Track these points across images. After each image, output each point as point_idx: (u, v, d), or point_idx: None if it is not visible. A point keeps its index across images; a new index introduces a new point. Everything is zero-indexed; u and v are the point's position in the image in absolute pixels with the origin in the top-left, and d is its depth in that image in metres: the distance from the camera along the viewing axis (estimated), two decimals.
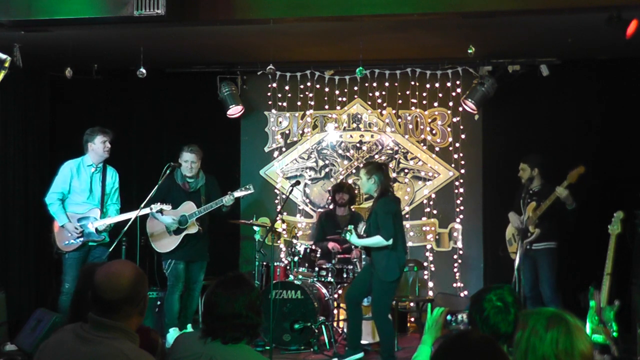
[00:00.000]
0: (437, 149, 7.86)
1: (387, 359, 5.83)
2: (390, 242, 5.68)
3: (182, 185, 6.53)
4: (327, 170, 8.06)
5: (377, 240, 5.71)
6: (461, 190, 7.80)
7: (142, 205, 6.06)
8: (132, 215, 6.11)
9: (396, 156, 7.94)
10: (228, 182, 7.89)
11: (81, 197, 6.33)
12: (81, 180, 6.33)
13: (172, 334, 6.31)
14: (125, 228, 5.96)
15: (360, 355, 5.96)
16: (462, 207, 7.79)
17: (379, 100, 7.92)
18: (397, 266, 5.78)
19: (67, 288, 6.20)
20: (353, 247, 6.73)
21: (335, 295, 6.79)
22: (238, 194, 6.41)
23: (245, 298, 2.81)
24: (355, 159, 7.99)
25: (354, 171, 7.94)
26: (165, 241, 6.52)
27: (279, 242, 7.92)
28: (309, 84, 7.99)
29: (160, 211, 6.30)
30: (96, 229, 6.25)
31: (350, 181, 7.83)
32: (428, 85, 7.81)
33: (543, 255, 6.38)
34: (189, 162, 6.46)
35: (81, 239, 6.24)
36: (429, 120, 7.88)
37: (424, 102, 7.83)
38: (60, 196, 6.30)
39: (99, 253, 6.28)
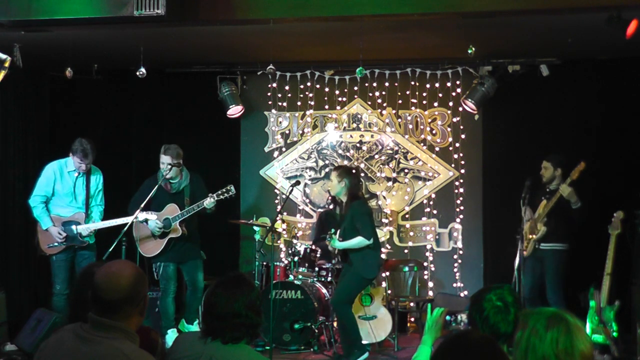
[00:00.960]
0: (437, 149, 7.86)
1: (350, 347, 5.92)
2: (372, 241, 5.85)
3: (164, 186, 6.40)
4: (327, 170, 8.05)
5: (359, 240, 5.86)
6: (461, 190, 7.80)
7: (141, 207, 6.09)
8: (117, 222, 6.14)
9: (396, 156, 7.94)
10: (228, 182, 7.87)
11: (65, 200, 6.31)
12: (64, 184, 6.30)
13: (171, 335, 6.30)
14: (125, 228, 5.97)
15: (366, 355, 6.01)
16: (462, 207, 7.79)
17: (379, 100, 7.92)
18: (376, 265, 6.02)
19: (59, 289, 6.23)
20: None
21: None
22: (219, 196, 6.27)
23: (245, 298, 2.81)
24: (355, 159, 7.99)
25: (353, 171, 7.91)
26: (150, 245, 6.46)
27: (279, 242, 7.91)
28: (309, 84, 7.99)
29: (146, 221, 6.28)
30: (79, 234, 6.25)
31: None
32: (428, 85, 7.81)
33: (550, 256, 6.34)
34: (164, 163, 6.32)
35: (65, 243, 6.23)
36: (429, 120, 7.88)
37: (424, 102, 7.83)
38: (44, 199, 6.28)
39: (87, 254, 6.28)
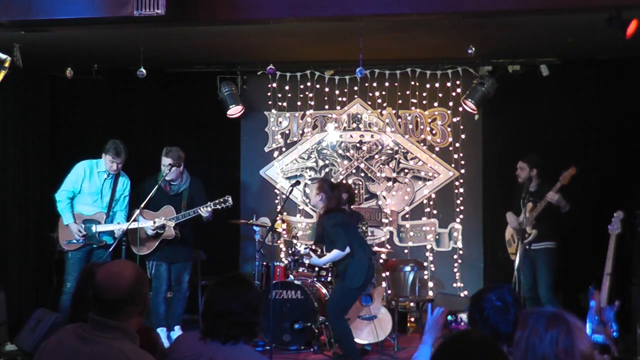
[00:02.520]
0: (437, 149, 7.86)
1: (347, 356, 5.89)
2: (348, 250, 5.79)
3: (164, 187, 6.48)
4: (327, 170, 8.06)
5: (335, 254, 5.84)
6: (461, 190, 7.80)
7: (141, 207, 6.13)
8: (134, 225, 6.21)
9: (396, 156, 7.94)
10: (228, 182, 7.91)
11: (90, 199, 6.37)
12: (92, 183, 6.37)
13: (159, 334, 6.31)
14: (125, 228, 5.98)
15: None
16: (462, 207, 7.79)
17: (379, 100, 7.92)
18: (360, 271, 5.84)
19: (69, 287, 6.23)
20: None
21: None
22: (216, 205, 6.28)
23: (242, 296, 2.83)
24: (355, 159, 7.99)
25: (354, 171, 7.94)
26: (142, 244, 6.52)
27: (279, 242, 7.92)
28: (309, 84, 7.99)
29: (163, 226, 6.32)
30: (99, 233, 6.29)
31: (350, 181, 7.84)
32: (428, 85, 7.81)
33: (541, 255, 6.40)
34: (165, 165, 6.39)
35: (83, 240, 6.27)
36: (429, 120, 7.88)
37: (424, 102, 7.83)
38: (71, 195, 6.35)
39: (102, 254, 6.31)
